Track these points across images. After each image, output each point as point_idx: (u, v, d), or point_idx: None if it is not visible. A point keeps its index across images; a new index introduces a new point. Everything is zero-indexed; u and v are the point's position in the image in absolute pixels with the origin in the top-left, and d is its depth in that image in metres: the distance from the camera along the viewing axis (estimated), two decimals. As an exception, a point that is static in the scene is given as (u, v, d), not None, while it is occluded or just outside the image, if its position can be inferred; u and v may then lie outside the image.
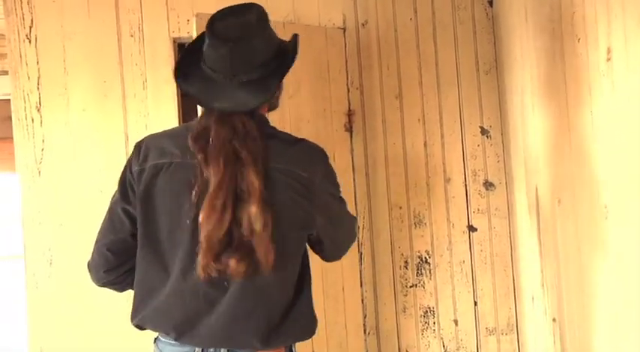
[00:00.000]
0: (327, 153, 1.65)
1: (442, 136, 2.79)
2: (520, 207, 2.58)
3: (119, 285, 1.70)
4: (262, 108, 1.64)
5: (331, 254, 1.76)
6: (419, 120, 2.79)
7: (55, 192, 2.66)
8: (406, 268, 2.75)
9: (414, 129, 2.79)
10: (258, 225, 1.47)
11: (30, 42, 2.67)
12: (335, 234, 1.71)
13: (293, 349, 1.63)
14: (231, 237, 1.48)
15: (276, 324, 1.55)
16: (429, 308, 2.75)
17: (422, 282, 2.75)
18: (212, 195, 1.47)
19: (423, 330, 2.74)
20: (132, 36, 2.73)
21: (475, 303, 2.76)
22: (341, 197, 1.69)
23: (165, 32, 2.74)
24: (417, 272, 2.76)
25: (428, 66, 2.81)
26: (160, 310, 1.57)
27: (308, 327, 1.62)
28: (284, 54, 1.62)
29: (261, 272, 1.50)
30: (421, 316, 2.75)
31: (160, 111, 2.72)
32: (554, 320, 2.22)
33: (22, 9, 2.67)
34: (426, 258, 2.76)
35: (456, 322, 2.75)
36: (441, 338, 2.75)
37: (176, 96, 2.73)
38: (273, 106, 1.72)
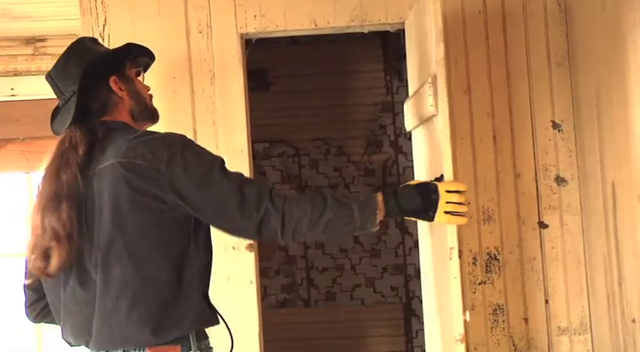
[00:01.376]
0: (181, 140, 1.67)
1: (512, 131, 2.74)
2: (595, 204, 2.50)
3: (49, 317, 1.81)
4: (114, 115, 1.78)
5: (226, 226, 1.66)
6: (488, 114, 2.74)
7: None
8: (475, 265, 2.71)
9: (482, 123, 2.74)
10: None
11: (103, 40, 2.73)
12: (208, 210, 1.62)
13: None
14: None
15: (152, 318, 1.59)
16: (499, 305, 2.70)
17: (491, 279, 2.70)
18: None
19: (492, 328, 2.69)
20: (200, 32, 2.77)
21: (546, 301, 2.69)
22: (213, 178, 1.62)
23: (232, 28, 2.76)
24: (486, 269, 2.71)
25: (497, 59, 2.75)
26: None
27: (190, 319, 1.61)
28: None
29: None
30: (490, 314, 2.70)
31: (228, 107, 2.75)
32: (633, 320, 2.15)
33: (96, 8, 2.74)
34: (495, 254, 2.71)
35: (526, 320, 2.69)
36: (511, 337, 2.69)
37: (243, 92, 2.75)
38: (135, 107, 1.81)
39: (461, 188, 1.76)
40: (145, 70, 1.94)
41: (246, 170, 2.70)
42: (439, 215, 1.74)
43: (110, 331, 1.59)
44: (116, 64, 1.81)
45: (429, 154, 2.20)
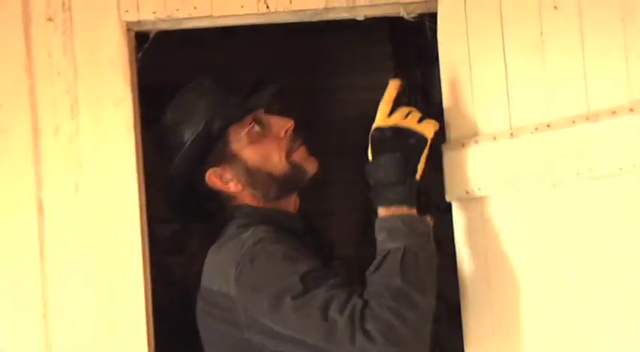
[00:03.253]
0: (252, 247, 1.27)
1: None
2: None
3: None
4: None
5: None
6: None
7: None
8: None
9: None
10: None
11: None
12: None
13: None
14: None
15: None
16: None
17: None
18: None
19: None
20: (51, 20, 1.48)
21: None
22: (286, 302, 1.21)
23: (112, 13, 1.48)
24: None
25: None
26: None
27: None
28: None
29: None
30: None
31: (104, 159, 1.47)
32: None
33: None
34: None
35: None
36: None
37: (132, 131, 1.47)
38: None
39: None
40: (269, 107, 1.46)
41: (139, 292, 1.43)
42: None
43: None
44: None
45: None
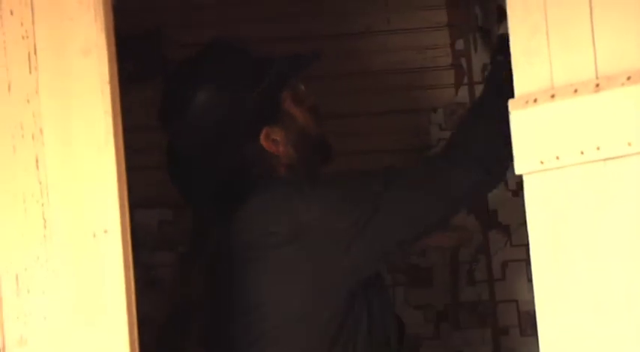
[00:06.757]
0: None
1: None
2: None
3: None
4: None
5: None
6: None
7: None
8: None
9: None
10: None
11: None
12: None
13: None
14: None
15: None
16: None
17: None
18: None
19: None
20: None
21: None
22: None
23: None
24: None
25: None
26: None
27: None
28: None
29: None
30: None
31: (71, 123, 1.16)
32: None
33: None
34: None
35: None
36: None
37: (109, 88, 1.15)
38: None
39: None
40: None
41: (118, 299, 1.10)
42: None
43: None
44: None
45: None
